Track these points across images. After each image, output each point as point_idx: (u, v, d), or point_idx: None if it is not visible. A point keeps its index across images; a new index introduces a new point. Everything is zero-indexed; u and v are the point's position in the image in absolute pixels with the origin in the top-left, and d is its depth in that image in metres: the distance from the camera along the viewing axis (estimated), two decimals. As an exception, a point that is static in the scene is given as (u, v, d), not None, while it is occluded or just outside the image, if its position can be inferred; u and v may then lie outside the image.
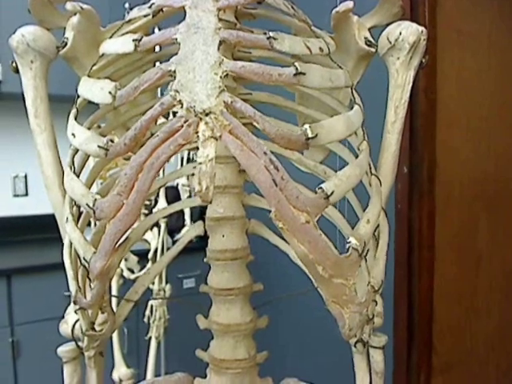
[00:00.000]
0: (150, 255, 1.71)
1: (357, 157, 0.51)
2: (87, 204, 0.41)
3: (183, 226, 2.19)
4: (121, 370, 1.77)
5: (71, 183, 0.45)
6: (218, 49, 0.41)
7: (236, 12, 0.56)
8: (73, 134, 0.45)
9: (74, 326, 0.54)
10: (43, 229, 2.30)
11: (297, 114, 0.67)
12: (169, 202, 1.78)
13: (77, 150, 0.49)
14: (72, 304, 0.56)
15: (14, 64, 0.55)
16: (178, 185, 2.13)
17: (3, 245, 2.24)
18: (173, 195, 2.06)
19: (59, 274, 1.88)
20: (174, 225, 2.13)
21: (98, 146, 0.42)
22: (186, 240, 0.65)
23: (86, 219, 0.52)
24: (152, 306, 1.77)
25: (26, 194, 2.42)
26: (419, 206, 1.40)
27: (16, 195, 2.40)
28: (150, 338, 1.79)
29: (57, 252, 2.05)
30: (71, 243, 0.48)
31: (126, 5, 1.78)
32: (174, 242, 2.10)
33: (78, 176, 0.48)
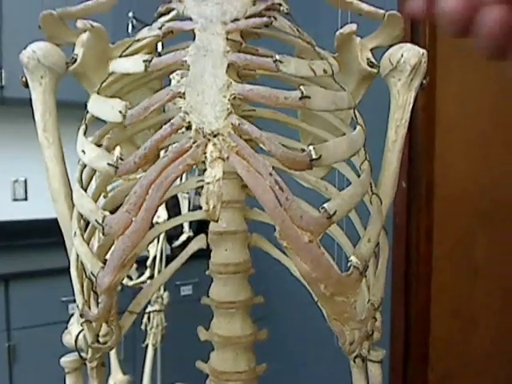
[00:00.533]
0: (148, 262, 1.72)
1: (358, 175, 0.52)
2: (96, 220, 0.42)
3: (181, 233, 2.20)
4: (117, 377, 1.76)
5: (80, 199, 0.46)
6: (227, 71, 0.42)
7: (242, 31, 0.57)
8: (83, 151, 0.47)
9: (77, 336, 0.55)
10: (42, 234, 2.30)
11: (299, 130, 0.68)
12: (168, 210, 1.78)
13: (85, 166, 0.50)
14: (75, 316, 0.57)
15: (23, 79, 0.56)
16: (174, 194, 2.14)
17: (1, 249, 2.25)
18: (172, 203, 2.07)
19: (57, 279, 1.90)
20: (173, 232, 2.14)
21: (108, 164, 0.43)
22: (190, 252, 0.66)
23: (92, 233, 0.53)
24: (149, 314, 1.77)
25: (26, 199, 2.43)
26: (417, 220, 1.42)
27: (15, 199, 2.41)
28: (147, 345, 1.79)
29: (55, 257, 2.05)
30: (78, 257, 0.49)
31: (130, 14, 1.81)
32: (172, 249, 2.11)
33: (86, 190, 0.50)
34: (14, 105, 2.21)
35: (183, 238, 2.15)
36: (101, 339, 0.50)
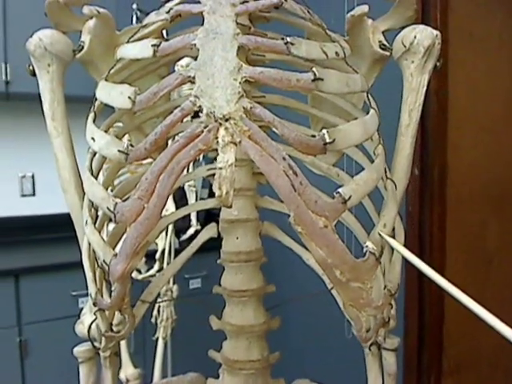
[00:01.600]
0: (157, 256, 1.72)
1: (371, 160, 0.51)
2: (108, 208, 0.42)
3: (189, 226, 2.19)
4: (128, 370, 1.77)
5: (92, 187, 0.46)
6: (237, 54, 0.41)
7: (250, 15, 0.56)
8: (92, 138, 0.46)
9: (90, 326, 0.55)
10: (50, 229, 2.31)
11: (310, 116, 0.67)
12: (176, 203, 1.78)
13: (95, 154, 0.50)
14: (88, 305, 0.57)
15: (30, 67, 0.56)
16: (184, 185, 2.14)
17: (11, 245, 2.26)
18: (179, 195, 2.07)
19: (67, 273, 1.91)
20: (181, 225, 2.14)
21: (119, 151, 0.42)
22: (200, 242, 0.65)
23: (103, 221, 0.52)
24: (159, 307, 1.78)
25: (34, 194, 2.43)
26: (430, 208, 1.40)
27: (23, 195, 2.42)
28: (157, 338, 1.80)
29: (64, 252, 2.05)
30: (90, 245, 0.48)
31: (134, 5, 1.79)
32: (180, 243, 2.11)
33: (96, 178, 0.49)
34: (19, 100, 2.22)
35: (191, 231, 2.15)
36: (114, 328, 0.50)
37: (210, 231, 0.66)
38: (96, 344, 0.55)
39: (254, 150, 0.39)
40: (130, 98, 0.43)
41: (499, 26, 1.49)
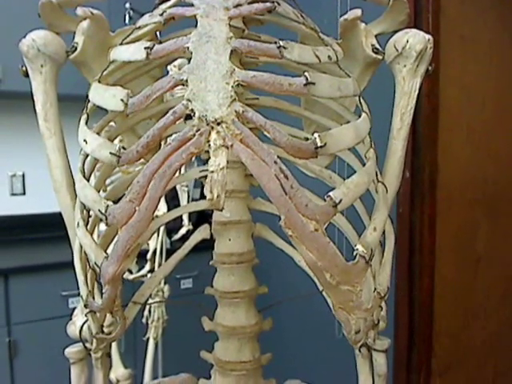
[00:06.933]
0: (148, 256, 1.72)
1: (363, 163, 0.52)
2: (99, 210, 0.42)
3: (181, 226, 2.19)
4: (118, 371, 1.76)
5: (83, 189, 0.46)
6: (230, 58, 0.42)
7: (244, 18, 0.56)
8: (85, 140, 0.46)
9: (81, 327, 0.55)
10: (41, 228, 2.30)
11: (303, 118, 0.68)
12: (167, 202, 1.78)
13: (87, 156, 0.50)
14: (80, 306, 0.57)
15: (23, 68, 0.56)
16: (175, 185, 2.13)
17: (0, 244, 2.24)
18: (171, 195, 2.07)
19: (57, 273, 1.90)
20: (172, 225, 2.13)
21: (110, 153, 0.42)
22: (193, 244, 0.65)
23: (95, 223, 0.52)
24: (150, 307, 1.77)
25: (24, 193, 2.41)
26: (421, 209, 1.42)
27: (13, 194, 2.40)
28: (148, 338, 1.79)
29: (55, 252, 2.04)
30: (82, 247, 0.48)
31: (127, 4, 1.79)
32: (171, 243, 2.11)
33: (88, 181, 0.49)
34: (10, 98, 2.20)
35: (183, 231, 2.15)
36: (105, 329, 0.50)
37: (202, 233, 0.66)
38: (87, 345, 0.55)
39: (245, 154, 0.40)
40: (122, 100, 0.43)
41: (490, 29, 1.50)
